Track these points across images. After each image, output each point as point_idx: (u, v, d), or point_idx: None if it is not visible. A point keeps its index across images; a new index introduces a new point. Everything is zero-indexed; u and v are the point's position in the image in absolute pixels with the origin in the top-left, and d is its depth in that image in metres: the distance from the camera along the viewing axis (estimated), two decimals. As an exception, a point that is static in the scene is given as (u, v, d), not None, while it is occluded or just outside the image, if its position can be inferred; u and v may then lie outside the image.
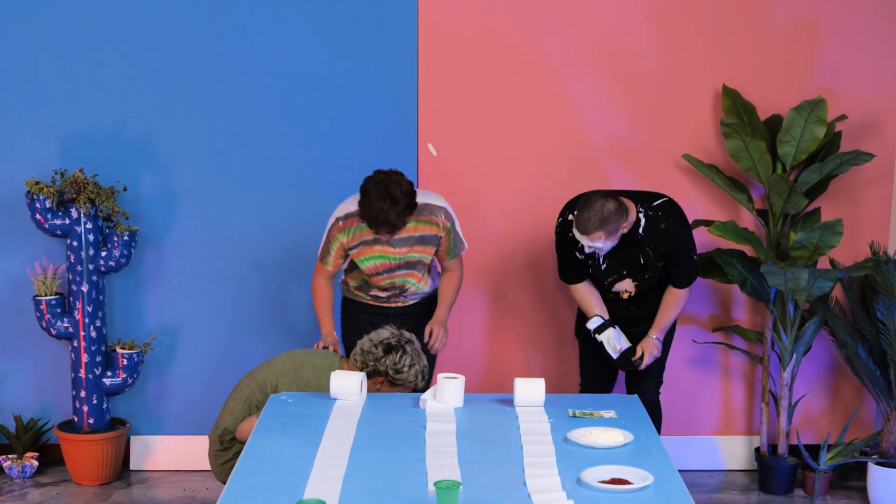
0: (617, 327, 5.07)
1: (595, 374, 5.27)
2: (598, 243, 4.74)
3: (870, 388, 5.61)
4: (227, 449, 4.54)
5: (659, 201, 4.95)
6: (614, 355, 5.04)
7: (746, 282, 5.50)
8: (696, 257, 5.01)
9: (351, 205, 4.94)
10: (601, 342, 5.06)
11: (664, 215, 4.90)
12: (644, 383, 5.15)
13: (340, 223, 4.93)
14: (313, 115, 5.66)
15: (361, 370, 4.52)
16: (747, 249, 5.60)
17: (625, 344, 5.04)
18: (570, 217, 4.90)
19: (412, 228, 4.94)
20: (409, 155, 5.66)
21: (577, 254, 5.00)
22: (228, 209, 5.72)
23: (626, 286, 5.03)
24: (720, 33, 5.64)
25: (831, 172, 5.45)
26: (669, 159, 5.71)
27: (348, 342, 5.11)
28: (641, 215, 4.88)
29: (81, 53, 5.58)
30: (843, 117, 5.60)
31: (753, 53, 5.66)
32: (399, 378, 4.51)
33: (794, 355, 5.59)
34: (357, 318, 5.18)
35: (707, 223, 5.48)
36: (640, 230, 4.88)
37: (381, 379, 4.53)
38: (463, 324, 5.81)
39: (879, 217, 5.79)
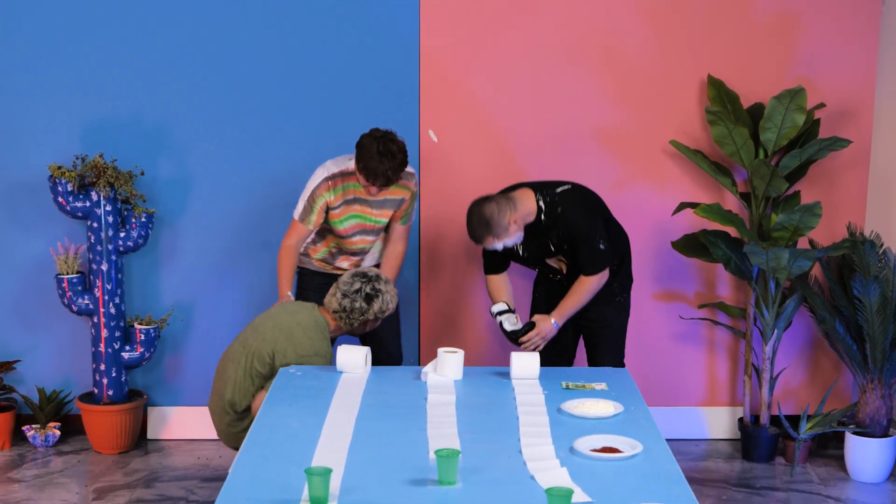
0: (515, 315, 4.98)
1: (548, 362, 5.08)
2: (497, 245, 4.71)
3: (847, 362, 5.67)
4: (241, 419, 4.57)
5: (561, 189, 4.83)
6: (508, 329, 4.94)
7: (730, 261, 5.56)
8: (603, 245, 4.79)
9: (338, 165, 4.99)
10: (500, 322, 4.98)
11: (561, 201, 4.77)
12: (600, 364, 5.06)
13: (329, 182, 4.96)
14: (318, 102, 5.71)
15: (351, 327, 4.64)
16: (731, 230, 5.64)
17: (517, 326, 4.96)
18: None
19: (390, 191, 5.00)
20: (410, 141, 5.61)
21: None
22: (240, 192, 5.79)
23: (554, 264, 4.96)
24: (705, 26, 5.69)
25: (810, 157, 5.50)
26: (657, 145, 5.75)
27: None
28: (541, 202, 4.78)
29: (101, 43, 5.64)
30: (821, 105, 5.65)
31: (737, 45, 5.71)
32: (386, 314, 4.66)
33: (776, 330, 5.66)
34: (311, 286, 5.24)
35: (693, 205, 5.50)
36: (542, 217, 4.78)
37: (368, 323, 4.67)
38: (464, 302, 5.91)
39: (856, 199, 5.84)
